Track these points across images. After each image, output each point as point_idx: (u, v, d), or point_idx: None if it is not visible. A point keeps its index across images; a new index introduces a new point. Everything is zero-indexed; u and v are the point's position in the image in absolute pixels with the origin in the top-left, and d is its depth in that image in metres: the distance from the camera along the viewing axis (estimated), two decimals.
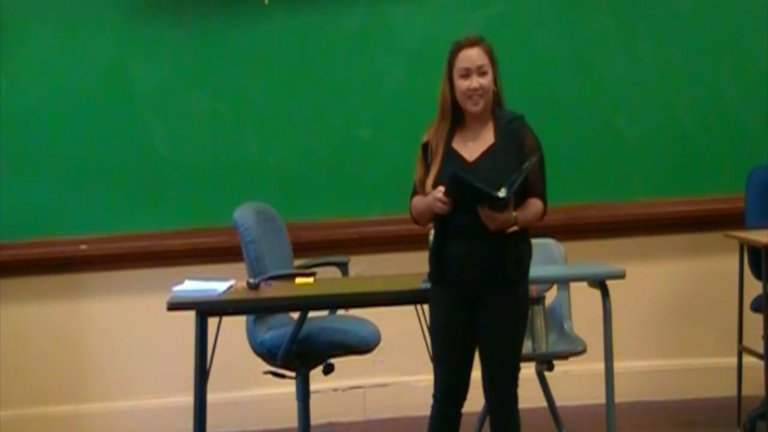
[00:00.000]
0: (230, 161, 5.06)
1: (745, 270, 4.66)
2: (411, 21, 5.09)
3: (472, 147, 3.51)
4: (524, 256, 3.53)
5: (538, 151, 3.51)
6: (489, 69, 3.49)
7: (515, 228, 3.43)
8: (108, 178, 5.02)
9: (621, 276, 4.03)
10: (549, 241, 4.42)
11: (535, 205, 3.49)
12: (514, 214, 3.41)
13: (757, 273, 4.57)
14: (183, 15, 5.02)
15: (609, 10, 5.17)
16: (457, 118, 3.53)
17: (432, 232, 3.64)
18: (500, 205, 3.36)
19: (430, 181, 3.49)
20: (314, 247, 4.83)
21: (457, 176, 3.35)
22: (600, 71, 5.17)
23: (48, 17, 4.97)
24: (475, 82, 3.46)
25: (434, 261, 3.53)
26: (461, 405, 3.58)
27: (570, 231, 4.77)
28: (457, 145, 3.52)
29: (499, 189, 3.33)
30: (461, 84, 3.48)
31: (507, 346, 3.53)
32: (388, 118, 5.08)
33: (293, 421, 4.34)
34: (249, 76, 5.07)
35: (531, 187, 3.47)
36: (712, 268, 5.15)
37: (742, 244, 4.62)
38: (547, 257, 4.37)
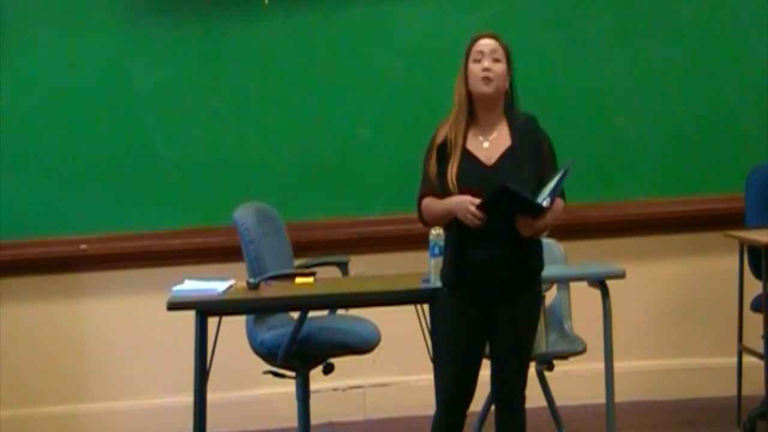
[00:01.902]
0: (230, 161, 5.05)
1: (745, 270, 4.66)
2: (411, 20, 5.09)
3: (488, 148, 3.47)
4: (542, 257, 3.54)
5: (552, 153, 3.50)
6: (503, 60, 3.47)
7: (546, 233, 3.44)
8: (108, 178, 5.02)
9: (621, 276, 4.03)
10: (549, 241, 4.41)
11: (557, 205, 3.45)
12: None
13: (757, 273, 4.57)
14: (183, 15, 5.02)
15: (609, 10, 5.17)
16: (469, 117, 3.49)
17: (433, 232, 3.63)
18: (541, 213, 3.34)
19: (452, 181, 3.41)
20: (314, 247, 4.83)
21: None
22: (600, 71, 5.17)
23: (48, 17, 4.96)
24: (487, 63, 3.44)
25: (453, 266, 3.46)
26: (467, 408, 3.56)
27: (570, 231, 4.76)
28: (471, 144, 3.47)
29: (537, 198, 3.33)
30: (474, 68, 3.45)
31: (522, 345, 3.52)
32: (388, 118, 5.08)
33: (293, 421, 4.34)
34: (249, 76, 5.07)
35: None
36: (712, 268, 5.15)
37: (742, 244, 4.62)
38: (547, 257, 4.34)
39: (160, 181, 5.03)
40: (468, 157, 3.45)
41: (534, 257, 3.48)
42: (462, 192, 3.38)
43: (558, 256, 4.43)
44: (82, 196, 5.00)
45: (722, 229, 4.77)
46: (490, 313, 3.48)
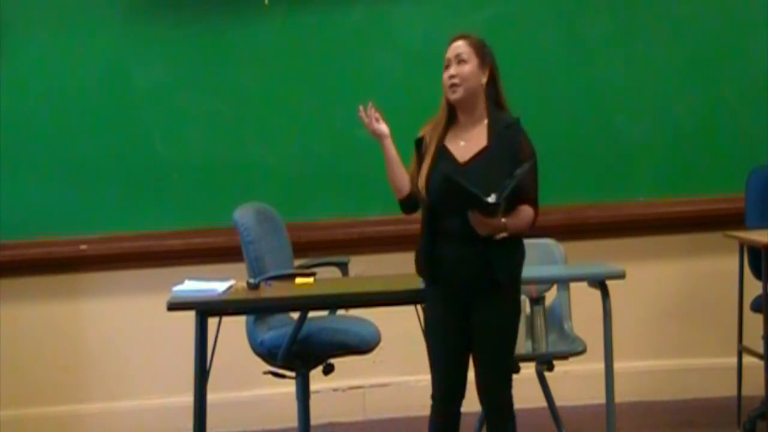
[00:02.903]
0: (230, 161, 5.06)
1: (745, 270, 4.67)
2: (411, 21, 5.10)
3: (464, 147, 3.50)
4: (516, 262, 3.49)
5: (532, 158, 3.46)
6: (471, 59, 3.48)
7: (504, 234, 3.39)
8: (108, 178, 5.02)
9: (621, 276, 4.03)
10: (549, 241, 4.42)
11: (525, 211, 3.44)
12: (503, 220, 3.37)
13: (757, 273, 4.57)
14: (183, 15, 5.02)
15: (609, 11, 5.17)
16: (452, 117, 3.54)
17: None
18: (490, 210, 3.32)
19: (422, 178, 3.48)
20: (314, 247, 4.83)
21: (450, 178, 3.32)
22: (600, 71, 5.18)
23: (48, 17, 4.97)
24: (452, 70, 3.47)
25: (425, 262, 3.51)
26: (460, 405, 3.57)
27: (570, 231, 4.77)
28: (449, 143, 3.52)
29: (489, 194, 3.30)
30: (443, 76, 3.51)
31: (498, 351, 3.50)
32: (388, 118, 5.01)
33: (293, 421, 4.34)
34: (249, 76, 5.07)
35: (522, 193, 3.41)
36: (712, 268, 5.15)
37: (742, 244, 4.62)
38: (547, 257, 4.37)
39: (160, 181, 5.03)
40: (443, 155, 3.49)
41: (502, 262, 3.43)
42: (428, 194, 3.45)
43: (558, 256, 4.43)
44: (82, 196, 5.01)
45: (722, 229, 4.78)
46: (468, 314, 3.48)
